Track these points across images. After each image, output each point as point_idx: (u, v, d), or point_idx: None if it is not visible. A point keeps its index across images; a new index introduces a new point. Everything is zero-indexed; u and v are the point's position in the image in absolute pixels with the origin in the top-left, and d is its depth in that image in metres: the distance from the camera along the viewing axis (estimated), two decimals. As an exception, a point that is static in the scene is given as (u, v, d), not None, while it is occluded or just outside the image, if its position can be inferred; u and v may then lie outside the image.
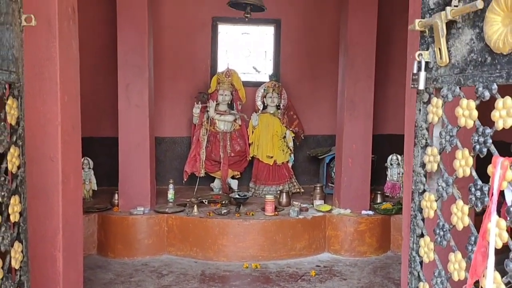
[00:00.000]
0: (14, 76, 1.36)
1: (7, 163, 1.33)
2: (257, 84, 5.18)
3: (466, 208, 1.25)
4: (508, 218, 1.10)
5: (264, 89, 4.96)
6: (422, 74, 1.45)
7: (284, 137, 4.91)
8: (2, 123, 1.28)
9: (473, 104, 1.21)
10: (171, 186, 4.38)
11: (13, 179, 1.38)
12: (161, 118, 5.10)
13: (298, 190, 4.88)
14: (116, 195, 4.14)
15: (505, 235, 1.11)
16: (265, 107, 4.99)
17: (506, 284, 1.11)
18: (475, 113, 1.20)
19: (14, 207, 1.37)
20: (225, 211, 3.98)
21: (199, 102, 4.84)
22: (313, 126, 5.32)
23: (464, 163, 1.25)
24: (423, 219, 1.50)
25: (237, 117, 4.89)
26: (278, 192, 4.54)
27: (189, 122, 5.10)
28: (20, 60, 1.41)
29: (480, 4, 1.15)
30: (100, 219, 4.01)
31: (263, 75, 5.43)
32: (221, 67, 5.26)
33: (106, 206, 4.18)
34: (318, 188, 4.38)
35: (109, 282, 3.40)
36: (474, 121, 1.20)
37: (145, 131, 4.04)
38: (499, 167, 1.12)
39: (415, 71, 1.47)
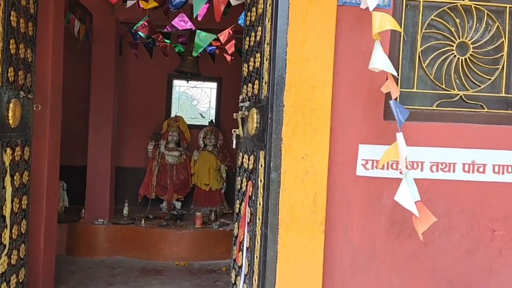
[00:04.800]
0: (28, 135, 2.74)
1: (19, 182, 2.69)
2: (201, 127, 6.62)
3: (244, 205, 2.68)
4: (248, 208, 2.52)
5: (204, 132, 6.41)
6: (235, 141, 2.90)
7: (219, 169, 6.32)
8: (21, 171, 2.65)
9: (247, 156, 2.65)
10: (126, 204, 5.69)
11: (26, 190, 2.73)
12: (124, 152, 6.44)
13: (228, 211, 6.25)
14: (83, 210, 5.43)
15: (249, 214, 2.54)
16: (205, 145, 6.42)
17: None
18: (247, 161, 2.64)
19: (25, 201, 2.72)
20: (164, 223, 5.33)
21: (153, 140, 6.24)
22: (245, 162, 6.74)
23: (245, 187, 2.69)
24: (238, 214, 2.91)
25: (182, 153, 6.29)
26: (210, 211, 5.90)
27: (145, 155, 6.47)
28: (32, 127, 2.79)
29: (246, 113, 2.61)
30: (70, 228, 5.28)
31: (207, 120, 6.88)
32: (173, 113, 6.69)
33: (75, 218, 5.46)
34: (239, 209, 5.76)
35: (75, 271, 4.67)
36: (249, 166, 2.64)
37: (107, 162, 5.40)
38: (249, 185, 2.55)
39: (233, 139, 2.92)
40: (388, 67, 2.00)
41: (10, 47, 2.41)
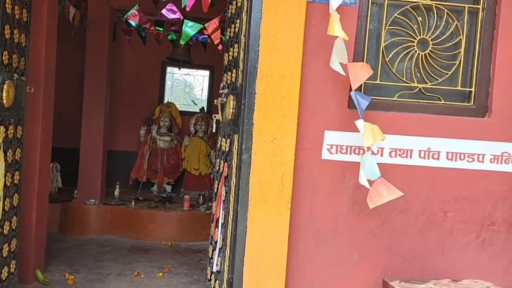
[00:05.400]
0: (21, 115, 2.94)
1: (11, 158, 2.89)
2: (193, 114, 6.81)
3: (220, 184, 2.88)
4: (224, 187, 2.72)
5: (195, 118, 6.61)
6: (214, 125, 3.09)
7: (209, 155, 6.53)
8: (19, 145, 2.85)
9: (224, 140, 2.86)
10: (117, 186, 5.90)
11: (18, 167, 2.94)
12: (117, 136, 6.63)
13: (216, 195, 6.47)
14: (75, 190, 5.65)
15: (224, 192, 2.74)
16: (196, 131, 6.62)
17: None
18: (224, 144, 2.85)
19: (17, 176, 2.93)
20: (154, 205, 5.55)
21: (145, 125, 6.44)
22: (234, 148, 6.95)
23: (222, 168, 2.89)
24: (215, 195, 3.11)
25: (173, 138, 6.50)
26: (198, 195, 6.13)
27: (138, 140, 6.67)
28: (25, 108, 2.99)
29: (224, 100, 2.81)
30: (62, 207, 5.49)
31: (198, 107, 7.07)
32: (166, 100, 6.88)
33: (67, 198, 5.67)
34: (227, 193, 5.99)
35: (66, 248, 4.88)
36: (226, 148, 2.84)
37: (100, 145, 5.60)
38: (225, 166, 2.76)
39: (213, 124, 3.12)
40: (339, 69, 2.20)
41: (5, 32, 2.59)
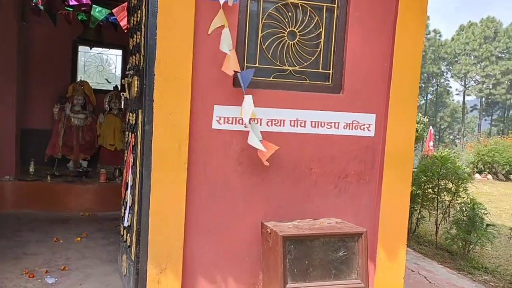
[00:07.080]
0: None
1: None
2: (107, 92, 7.06)
3: (129, 154, 3.35)
4: (132, 155, 3.20)
5: (109, 96, 6.88)
6: (123, 103, 3.52)
7: (124, 131, 6.84)
8: None
9: (132, 114, 3.31)
10: (32, 163, 6.08)
11: None
12: (31, 114, 6.71)
13: (132, 169, 6.85)
14: (-11, 168, 5.76)
15: (132, 160, 3.22)
16: (110, 109, 6.90)
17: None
18: (132, 118, 3.30)
19: None
20: (70, 179, 5.83)
21: (58, 103, 6.59)
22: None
23: (130, 139, 3.35)
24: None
25: (88, 115, 6.73)
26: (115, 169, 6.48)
27: (52, 118, 6.80)
28: None
29: (130, 80, 3.25)
30: (-24, 185, 5.60)
31: (112, 85, 7.32)
32: (79, 78, 7.04)
33: (-19, 176, 5.77)
34: (142, 166, 6.40)
35: (-19, 223, 5.07)
36: (133, 121, 3.29)
37: (12, 123, 5.72)
38: (132, 137, 3.23)
39: (121, 101, 3.54)
40: (228, 51, 2.76)
41: None
